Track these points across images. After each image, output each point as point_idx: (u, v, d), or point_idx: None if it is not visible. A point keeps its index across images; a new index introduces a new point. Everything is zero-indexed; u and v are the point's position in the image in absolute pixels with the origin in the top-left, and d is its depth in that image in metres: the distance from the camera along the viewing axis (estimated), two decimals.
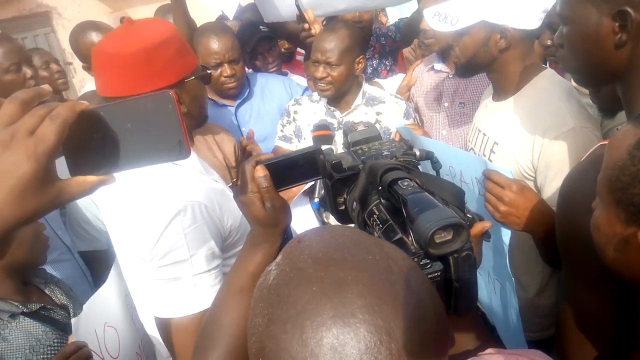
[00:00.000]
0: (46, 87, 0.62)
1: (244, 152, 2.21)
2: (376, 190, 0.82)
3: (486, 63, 1.58)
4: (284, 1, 2.43)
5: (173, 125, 0.64)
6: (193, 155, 1.40)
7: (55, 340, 1.53)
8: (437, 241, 0.66)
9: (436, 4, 1.83)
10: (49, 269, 1.90)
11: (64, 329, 1.59)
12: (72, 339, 1.31)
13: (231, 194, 1.43)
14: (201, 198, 1.27)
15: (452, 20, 1.52)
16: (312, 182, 1.88)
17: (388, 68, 3.04)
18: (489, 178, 1.31)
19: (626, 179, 0.72)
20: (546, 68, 1.59)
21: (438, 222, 0.65)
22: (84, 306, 1.37)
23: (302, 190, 1.92)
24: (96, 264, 2.19)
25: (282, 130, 2.39)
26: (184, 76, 1.30)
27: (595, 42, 1.03)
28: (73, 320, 1.31)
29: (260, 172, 0.85)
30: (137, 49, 1.22)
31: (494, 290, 1.50)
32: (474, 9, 1.51)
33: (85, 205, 2.14)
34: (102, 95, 1.29)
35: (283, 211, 0.90)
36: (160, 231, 1.20)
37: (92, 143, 0.63)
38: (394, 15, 3.66)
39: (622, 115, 1.16)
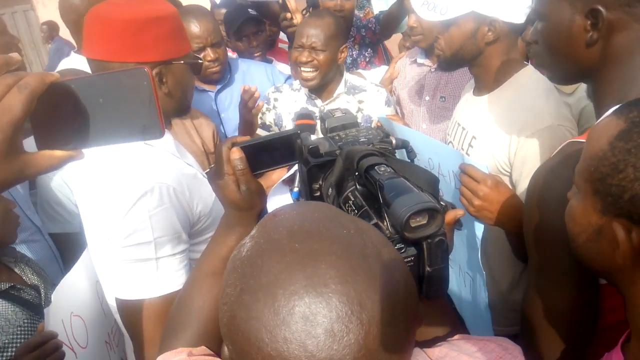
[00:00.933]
0: (15, 55, 0.60)
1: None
2: (352, 176, 0.82)
3: (472, 56, 1.58)
4: None
5: (147, 103, 0.62)
6: (168, 136, 1.39)
7: (26, 321, 1.49)
8: (413, 225, 0.68)
9: None
10: (22, 248, 1.86)
11: (35, 309, 1.55)
12: (42, 327, 1.29)
13: (204, 179, 1.42)
14: (170, 180, 1.25)
15: (442, 9, 1.51)
16: (292, 171, 1.88)
17: (367, 59, 3.08)
18: (464, 172, 1.32)
19: (605, 170, 0.73)
20: (527, 65, 1.61)
21: (414, 206, 0.66)
22: (52, 295, 1.34)
23: (282, 179, 1.91)
24: (67, 246, 2.15)
25: (260, 118, 2.38)
26: (173, 57, 1.29)
27: (567, 39, 1.05)
28: (45, 310, 1.29)
29: (236, 154, 0.85)
30: (130, 17, 1.21)
31: (464, 283, 1.52)
32: None
33: (57, 186, 2.10)
34: (86, 56, 1.27)
35: (258, 194, 0.90)
36: (126, 211, 1.18)
37: (62, 117, 0.61)
38: (379, 7, 3.66)
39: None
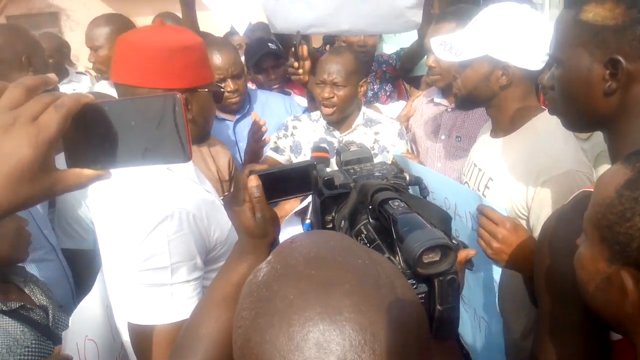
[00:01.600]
0: (52, 76, 0.62)
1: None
2: (366, 209, 0.83)
3: (486, 97, 1.60)
4: (293, 13, 2.50)
5: (178, 127, 0.64)
6: (189, 163, 1.40)
7: (34, 342, 1.48)
8: (425, 261, 0.68)
9: (442, 34, 1.87)
10: (32, 267, 1.87)
11: (43, 330, 1.54)
12: (59, 350, 1.28)
13: (221, 206, 1.42)
14: (190, 206, 1.26)
15: (457, 51, 1.55)
16: (305, 203, 1.89)
17: (388, 94, 3.13)
18: (483, 213, 1.31)
19: (613, 217, 0.73)
20: (544, 109, 1.61)
21: (427, 242, 0.66)
22: (70, 318, 1.34)
23: (294, 210, 1.92)
24: (79, 263, 2.17)
25: (275, 142, 2.41)
26: (198, 85, 1.32)
27: (585, 87, 1.05)
28: (63, 334, 1.28)
29: (254, 181, 0.86)
30: (161, 45, 1.25)
31: (479, 328, 1.49)
32: (479, 43, 1.53)
33: (76, 203, 2.14)
34: (114, 80, 1.31)
35: (273, 223, 0.90)
36: (145, 234, 1.19)
37: (93, 137, 0.63)
38: (390, 50, 3.79)
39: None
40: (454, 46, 1.57)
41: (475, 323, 1.51)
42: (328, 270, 0.56)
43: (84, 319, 1.39)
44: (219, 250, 1.36)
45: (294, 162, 2.35)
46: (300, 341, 0.51)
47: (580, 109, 1.10)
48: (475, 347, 1.54)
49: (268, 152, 2.40)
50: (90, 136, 0.63)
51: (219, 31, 3.71)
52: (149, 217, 1.20)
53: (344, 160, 0.95)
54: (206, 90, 1.35)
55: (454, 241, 0.84)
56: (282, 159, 2.37)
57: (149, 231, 1.19)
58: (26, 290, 1.63)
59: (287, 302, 0.54)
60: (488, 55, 1.52)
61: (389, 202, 0.76)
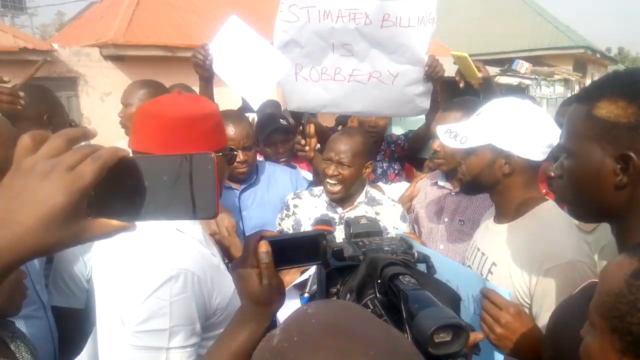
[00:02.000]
0: (92, 129, 0.66)
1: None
2: (374, 283, 0.82)
3: (490, 184, 1.63)
4: (309, 94, 2.60)
5: (208, 185, 0.66)
6: (198, 225, 1.41)
7: None
8: (437, 341, 0.66)
9: (448, 123, 1.95)
10: (20, 323, 1.81)
11: None
12: None
13: (226, 272, 1.41)
14: (195, 268, 1.25)
15: (462, 139, 1.61)
16: (305, 277, 1.86)
17: (396, 172, 3.20)
18: (486, 297, 1.30)
19: (623, 307, 0.73)
20: (548, 200, 1.64)
21: (440, 320, 0.65)
22: None
23: (294, 283, 1.89)
24: (69, 322, 2.10)
25: (279, 224, 2.44)
26: (215, 150, 1.35)
27: (595, 179, 1.07)
28: None
29: (264, 247, 0.86)
30: (180, 115, 1.30)
31: None
32: (483, 132, 1.59)
33: (73, 259, 2.10)
34: (134, 149, 1.33)
35: (278, 291, 0.89)
36: (148, 294, 1.17)
37: (124, 189, 0.65)
38: (397, 132, 3.93)
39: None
40: (459, 134, 1.63)
41: None
42: (346, 340, 0.54)
43: None
44: (219, 317, 1.33)
45: None
46: None
47: (589, 199, 1.11)
48: None
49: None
50: (121, 188, 0.64)
51: (232, 106, 3.84)
52: (153, 277, 1.18)
53: (354, 232, 0.95)
54: (221, 154, 1.38)
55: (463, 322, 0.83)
56: None
57: (152, 291, 1.17)
58: (12, 347, 1.57)
59: None
60: (491, 144, 1.57)
61: (400, 277, 0.75)
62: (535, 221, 1.57)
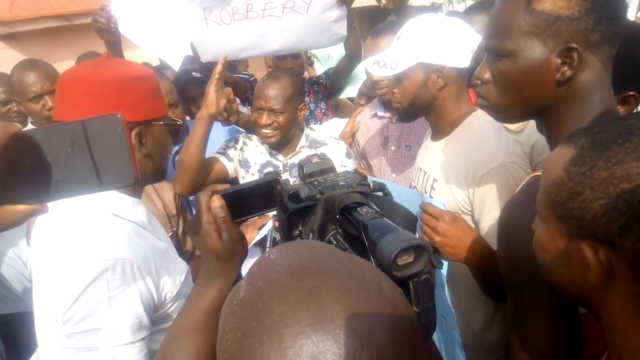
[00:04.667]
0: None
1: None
2: (333, 220, 0.82)
3: (427, 103, 1.66)
4: (222, 41, 2.50)
5: (120, 149, 0.60)
6: (141, 207, 1.30)
7: None
8: (400, 263, 0.68)
9: (374, 55, 1.94)
10: None
11: None
12: None
13: (175, 257, 1.33)
14: (134, 256, 1.12)
15: (392, 64, 1.61)
16: (264, 233, 1.87)
17: (324, 111, 3.20)
18: (424, 210, 1.37)
19: (565, 194, 0.76)
20: (477, 109, 1.70)
21: (400, 244, 0.67)
22: None
23: (254, 241, 1.89)
24: (17, 328, 2.00)
25: (224, 148, 2.36)
26: (153, 118, 1.24)
27: (537, 77, 1.04)
28: None
29: (217, 202, 0.84)
30: (110, 77, 1.16)
31: (441, 328, 1.52)
32: (410, 52, 1.60)
33: (10, 261, 1.99)
34: (59, 120, 1.18)
35: (240, 242, 0.88)
36: (80, 290, 1.05)
37: (24, 169, 0.58)
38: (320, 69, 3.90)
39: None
40: (387, 61, 1.64)
41: (437, 324, 1.53)
42: (313, 279, 0.54)
43: None
44: (169, 307, 1.23)
45: (241, 175, 2.33)
46: (294, 357, 0.49)
47: (527, 98, 1.08)
48: (440, 346, 1.56)
49: (215, 154, 2.33)
50: (22, 168, 0.58)
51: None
52: (85, 270, 1.05)
53: (307, 172, 0.95)
54: (161, 123, 1.27)
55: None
56: (229, 165, 2.32)
57: (85, 286, 1.05)
58: None
59: (276, 317, 0.51)
60: (421, 62, 1.59)
61: (357, 209, 0.76)
62: (468, 131, 1.64)
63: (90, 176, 0.60)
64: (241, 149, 2.38)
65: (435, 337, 1.56)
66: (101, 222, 1.16)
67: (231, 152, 2.37)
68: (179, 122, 1.36)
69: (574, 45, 1.00)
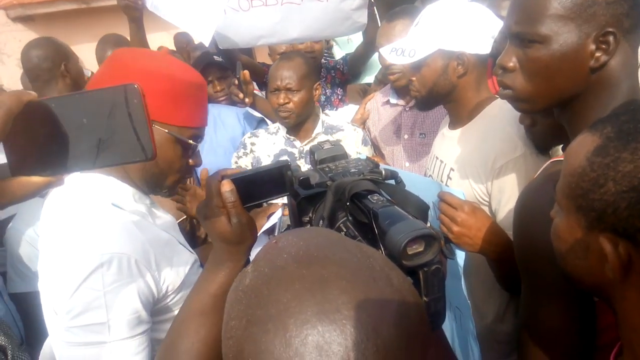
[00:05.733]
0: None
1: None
2: (343, 207, 0.81)
3: (446, 91, 1.62)
4: (240, 28, 2.49)
5: (137, 122, 0.58)
6: (145, 198, 1.25)
7: None
8: (410, 253, 0.66)
9: (389, 40, 1.90)
10: None
11: None
12: None
13: (181, 247, 1.31)
14: (132, 250, 1.09)
15: (410, 52, 1.57)
16: (274, 221, 1.86)
17: (340, 97, 3.17)
18: (443, 200, 1.34)
19: (586, 185, 0.74)
20: (497, 98, 1.66)
21: (410, 233, 0.65)
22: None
23: (262, 229, 1.89)
24: (36, 306, 2.03)
25: (236, 162, 2.39)
26: (190, 126, 1.16)
27: (572, 63, 0.99)
28: None
29: (227, 186, 0.83)
30: (165, 72, 1.10)
31: (455, 319, 1.50)
32: (429, 39, 1.56)
33: (29, 240, 1.99)
34: None
35: (250, 227, 0.87)
36: (77, 285, 1.03)
37: (40, 139, 0.56)
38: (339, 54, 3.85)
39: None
40: (405, 49, 1.60)
41: (451, 314, 1.52)
42: (320, 268, 0.53)
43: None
44: (172, 299, 1.21)
45: None
46: (299, 346, 0.48)
47: (554, 87, 1.03)
48: (454, 338, 1.55)
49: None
50: (36, 139, 0.56)
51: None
52: (81, 264, 1.04)
53: (319, 159, 0.93)
54: (181, 137, 1.15)
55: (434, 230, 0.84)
56: None
57: (81, 281, 1.03)
58: None
59: (281, 306, 0.50)
60: (440, 49, 1.55)
61: (368, 197, 0.75)
62: (486, 120, 1.60)
63: (105, 150, 0.58)
64: (251, 151, 2.38)
65: (448, 328, 1.56)
66: (100, 213, 1.13)
67: (242, 162, 2.38)
68: (197, 145, 1.22)
69: (611, 30, 0.95)
